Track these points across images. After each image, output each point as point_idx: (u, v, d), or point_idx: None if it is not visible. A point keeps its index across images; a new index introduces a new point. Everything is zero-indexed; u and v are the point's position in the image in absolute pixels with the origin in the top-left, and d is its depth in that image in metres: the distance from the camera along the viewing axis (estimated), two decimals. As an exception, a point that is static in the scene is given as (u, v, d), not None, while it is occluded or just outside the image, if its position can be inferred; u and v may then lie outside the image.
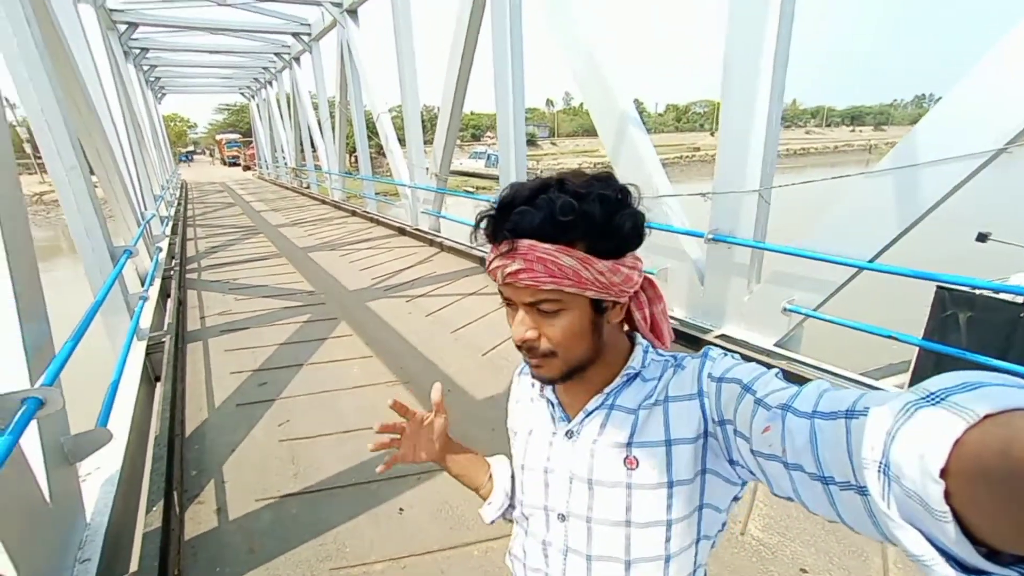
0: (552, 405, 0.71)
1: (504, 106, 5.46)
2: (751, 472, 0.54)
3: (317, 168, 15.46)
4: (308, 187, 17.12)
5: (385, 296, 5.16)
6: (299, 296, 5.30)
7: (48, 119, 3.32)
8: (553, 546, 0.69)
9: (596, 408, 0.66)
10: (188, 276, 6.30)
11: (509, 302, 0.62)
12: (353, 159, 12.85)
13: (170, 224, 9.11)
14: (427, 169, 7.74)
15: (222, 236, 9.37)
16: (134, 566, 1.79)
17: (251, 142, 34.21)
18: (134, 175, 6.18)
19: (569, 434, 0.68)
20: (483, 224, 0.61)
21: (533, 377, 0.67)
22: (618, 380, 0.66)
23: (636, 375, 0.66)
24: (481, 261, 5.95)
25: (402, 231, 8.43)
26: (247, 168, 35.88)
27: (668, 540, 0.62)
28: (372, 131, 10.14)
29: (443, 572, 1.82)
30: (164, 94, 22.88)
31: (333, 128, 12.46)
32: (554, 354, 0.62)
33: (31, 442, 1.73)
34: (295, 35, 11.92)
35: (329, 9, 9.26)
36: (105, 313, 3.64)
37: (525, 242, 0.56)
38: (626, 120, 3.93)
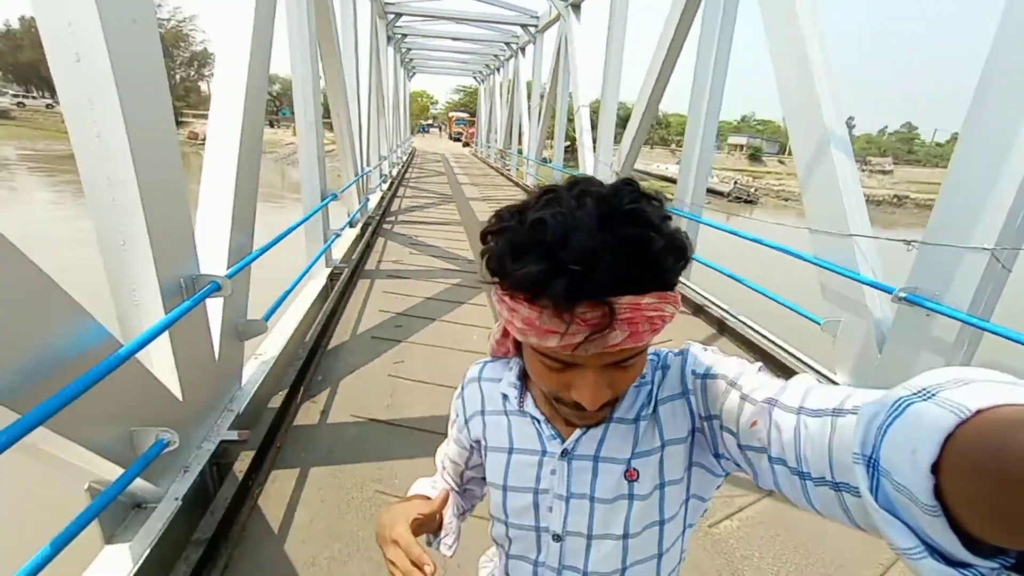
0: (538, 423, 0.65)
1: (696, 112, 5.09)
2: (736, 464, 0.54)
3: (519, 153, 16.59)
4: (508, 169, 18.51)
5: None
6: (460, 262, 5.84)
7: (303, 86, 4.24)
8: (546, 565, 0.66)
9: (594, 424, 0.61)
10: (384, 225, 7.44)
11: (564, 365, 0.52)
12: (551, 148, 13.44)
13: (388, 181, 10.83)
14: (610, 166, 7.70)
15: (423, 198, 10.78)
16: (261, 430, 2.27)
17: (474, 121, 38.18)
18: (364, 137, 7.48)
19: (564, 453, 0.62)
20: (534, 275, 0.46)
21: (580, 423, 0.60)
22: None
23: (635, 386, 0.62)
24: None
25: (572, 223, 8.57)
26: (466, 144, 40.30)
27: (661, 540, 0.62)
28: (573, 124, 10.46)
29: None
30: (415, 72, 26.90)
31: (539, 117, 13.20)
32: (615, 400, 0.57)
33: (215, 314, 2.31)
34: (523, 26, 12.84)
35: (555, 2, 9.71)
36: (309, 240, 4.57)
37: (624, 301, 0.45)
38: (829, 140, 3.34)
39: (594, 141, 8.44)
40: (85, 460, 1.52)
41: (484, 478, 0.75)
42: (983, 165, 2.41)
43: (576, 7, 9.58)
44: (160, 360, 1.90)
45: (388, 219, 8.02)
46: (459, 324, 3.97)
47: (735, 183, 30.67)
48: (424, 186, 13.07)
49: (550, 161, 12.32)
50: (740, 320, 4.15)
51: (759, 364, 0.55)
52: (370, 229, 6.55)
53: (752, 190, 29.99)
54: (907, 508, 0.32)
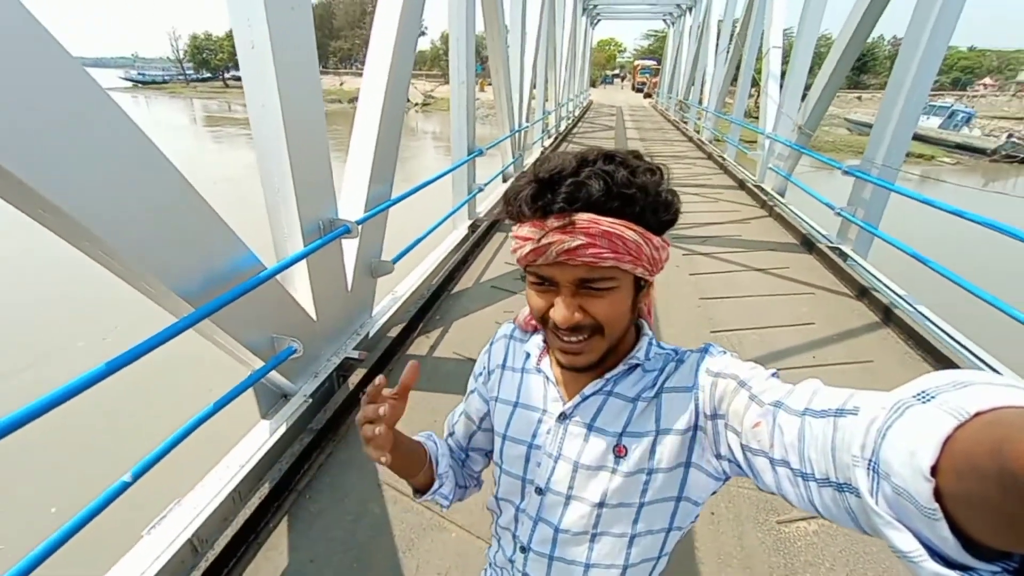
0: (548, 381, 0.70)
1: (912, 46, 3.98)
2: (738, 467, 0.55)
3: (699, 104, 15.06)
4: (687, 122, 17.01)
5: (672, 245, 5.04)
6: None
7: (458, 45, 4.52)
8: (525, 512, 0.70)
9: (594, 393, 0.65)
10: (536, 181, 7.65)
11: (545, 282, 0.59)
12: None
13: (551, 137, 10.94)
14: (794, 120, 6.58)
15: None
16: (377, 353, 2.73)
17: (659, 70, 35.42)
18: (525, 92, 7.64)
19: (562, 416, 0.67)
20: (523, 197, 0.57)
21: (565, 365, 0.64)
22: (620, 367, 0.65)
23: (638, 365, 0.65)
24: (805, 241, 4.96)
25: (742, 184, 7.66)
26: (648, 96, 37.79)
27: (636, 521, 0.63)
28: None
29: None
30: (600, 19, 25.82)
31: (726, 61, 11.71)
32: (601, 332, 0.59)
33: (350, 252, 2.79)
34: (719, -44, 11.26)
35: (756, -78, 8.28)
36: (455, 192, 5.01)
37: (585, 215, 0.54)
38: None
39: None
40: (242, 352, 2.07)
41: (489, 451, 0.82)
42: None
43: (781, -76, 8.04)
44: (300, 286, 2.41)
45: (542, 175, 8.20)
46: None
47: (1009, 136, 22.87)
48: (590, 140, 12.86)
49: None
50: (915, 308, 3.35)
51: (773, 370, 0.56)
52: (520, 184, 6.82)
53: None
54: (907, 511, 0.32)
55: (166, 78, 62.61)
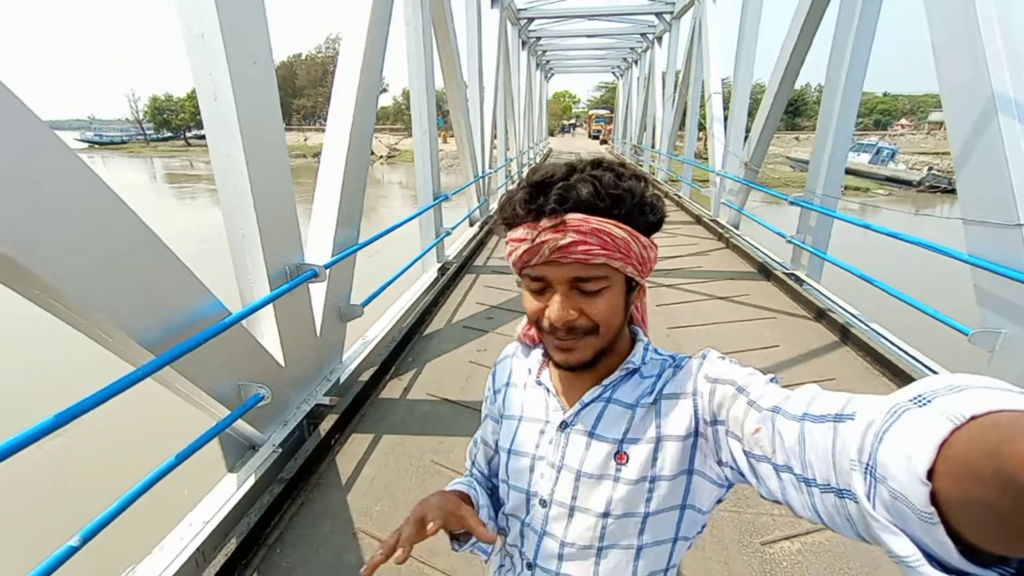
0: (548, 392, 0.70)
1: (832, 88, 4.41)
2: (740, 474, 0.54)
3: (652, 147, 15.91)
4: (641, 165, 17.88)
5: (633, 276, 5.21)
6: (566, 258, 5.91)
7: (419, 99, 4.71)
8: (530, 527, 0.69)
9: (593, 400, 0.66)
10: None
11: (540, 284, 0.61)
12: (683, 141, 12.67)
13: (514, 182, 11.27)
14: (740, 157, 7.05)
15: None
16: (348, 398, 2.67)
17: (613, 118, 37.47)
18: (486, 141, 7.93)
19: (563, 425, 0.67)
20: (517, 200, 0.60)
21: (558, 364, 0.66)
22: (617, 373, 0.66)
23: (635, 371, 0.66)
24: (762, 269, 5.21)
25: (699, 219, 8.04)
26: (603, 142, 39.74)
27: (642, 532, 0.63)
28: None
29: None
30: (553, 74, 27.35)
31: (672, 108, 12.52)
32: (595, 331, 0.60)
33: (318, 297, 2.76)
34: (658, 15, 12.27)
35: (689, -15, 9.13)
36: (422, 236, 5.07)
37: (575, 215, 0.56)
38: (996, 109, 2.68)
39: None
40: (206, 401, 1.98)
41: None
42: None
43: (711, -13, 8.90)
44: (268, 331, 2.36)
45: (508, 218, 8.40)
46: (549, 318, 4.07)
47: (929, 169, 25.08)
48: (551, 185, 13.29)
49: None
50: (868, 327, 3.53)
51: (772, 375, 0.56)
52: (486, 228, 6.96)
53: (954, 177, 24.18)
54: (904, 515, 0.32)
55: (124, 138, 61.87)
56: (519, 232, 0.59)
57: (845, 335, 3.55)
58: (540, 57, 19.24)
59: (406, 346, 3.48)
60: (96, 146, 57.59)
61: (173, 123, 60.45)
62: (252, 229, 2.22)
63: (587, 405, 0.66)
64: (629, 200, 0.58)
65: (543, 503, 0.67)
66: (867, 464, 0.34)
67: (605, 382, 0.66)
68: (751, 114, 7.29)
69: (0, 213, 1.21)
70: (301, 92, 60.42)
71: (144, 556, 1.72)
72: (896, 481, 0.31)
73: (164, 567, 1.67)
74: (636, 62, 20.31)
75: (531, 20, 12.29)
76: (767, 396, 0.51)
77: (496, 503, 0.82)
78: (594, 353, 0.62)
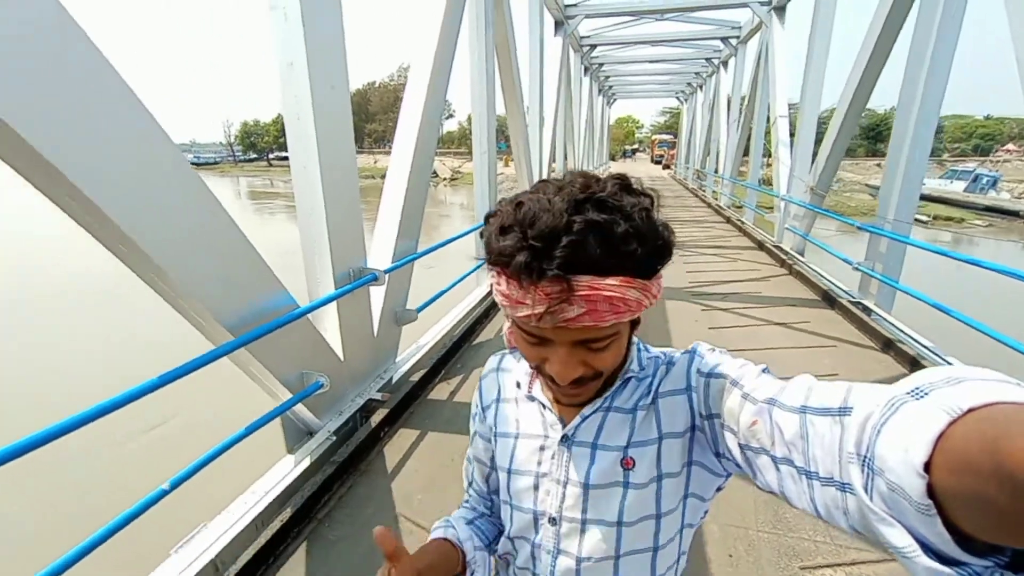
0: (544, 408, 0.67)
1: (906, 111, 4.23)
2: (737, 465, 0.54)
3: (715, 172, 15.58)
4: (704, 190, 17.49)
5: (684, 299, 5.13)
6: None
7: (479, 121, 4.98)
8: (542, 548, 0.66)
9: (593, 411, 0.64)
10: (556, 244, 7.94)
11: (541, 338, 0.55)
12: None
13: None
14: (806, 182, 6.80)
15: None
16: (399, 396, 2.84)
17: (676, 143, 36.96)
18: (544, 162, 8.14)
19: (564, 439, 0.64)
20: (515, 265, 0.49)
21: (566, 402, 0.63)
22: (617, 383, 0.64)
23: (632, 376, 0.64)
24: (826, 297, 4.97)
25: (761, 245, 7.77)
26: (666, 167, 39.18)
27: (657, 533, 0.62)
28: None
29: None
30: (615, 99, 27.54)
31: (738, 131, 12.27)
32: (598, 377, 0.59)
33: (377, 301, 2.98)
34: (724, 39, 12.16)
35: (756, 9, 9.04)
36: (478, 251, 5.28)
37: (583, 280, 0.49)
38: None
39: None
40: (273, 384, 2.21)
41: None
42: None
43: (780, 10, 8.76)
44: (330, 327, 2.59)
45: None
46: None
47: (1041, 199, 22.69)
48: (609, 208, 13.29)
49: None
50: (943, 360, 3.29)
51: (764, 365, 0.55)
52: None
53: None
54: (901, 507, 0.32)
55: (217, 160, 68.77)
56: (514, 290, 0.51)
57: (915, 367, 3.33)
58: (603, 83, 19.49)
59: (456, 353, 3.64)
60: (195, 167, 64.54)
61: (259, 145, 66.30)
62: (322, 234, 2.47)
63: (587, 417, 0.63)
64: (643, 250, 0.51)
65: (552, 521, 0.64)
66: (864, 456, 0.35)
67: (605, 393, 0.63)
68: (819, 139, 7.05)
69: (134, 213, 1.49)
70: (373, 117, 64.20)
71: (213, 517, 1.93)
72: (893, 473, 0.32)
73: (229, 526, 1.87)
74: (701, 87, 20.08)
75: (594, 47, 12.55)
76: (761, 388, 0.50)
77: (494, 521, 0.81)
78: (596, 391, 0.61)
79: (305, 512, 2.03)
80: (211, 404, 4.18)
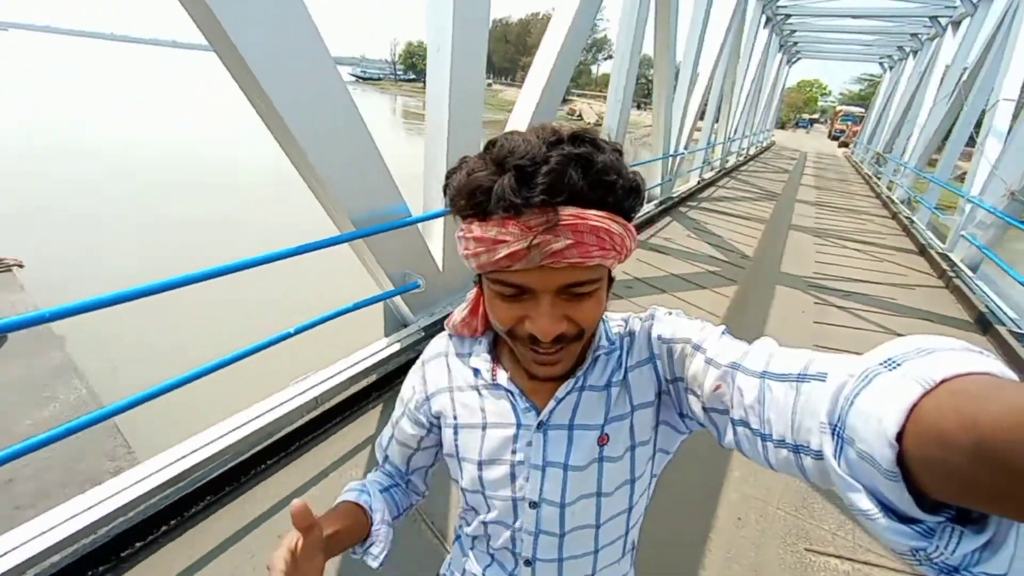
0: (512, 395, 0.63)
1: None
2: (700, 424, 0.56)
3: (900, 159, 13.18)
4: (880, 177, 14.97)
5: (799, 288, 4.75)
6: (733, 254, 5.61)
7: (620, 65, 4.87)
8: (523, 530, 0.66)
9: (567, 392, 0.61)
10: (680, 208, 7.61)
11: (519, 290, 0.52)
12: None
13: (713, 169, 10.64)
14: (1008, 185, 5.59)
15: (743, 191, 10.17)
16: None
17: (864, 118, 31.40)
18: (688, 121, 7.65)
19: (540, 425, 0.62)
20: (498, 190, 0.47)
21: (537, 376, 0.59)
22: (588, 360, 0.62)
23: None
24: (980, 320, 4.27)
25: (923, 250, 6.69)
26: (843, 144, 33.73)
27: (632, 494, 0.64)
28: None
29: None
30: (799, 58, 23.89)
31: (945, 114, 10.15)
32: (580, 337, 0.55)
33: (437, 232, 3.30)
34: (958, -6, 9.85)
35: (1009, -42, 7.16)
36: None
37: (569, 210, 0.47)
38: None
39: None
40: (380, 275, 2.67)
41: (431, 465, 0.78)
42: None
43: (1045, -39, 6.85)
44: (436, 241, 2.99)
45: (690, 203, 8.12)
46: (684, 301, 4.06)
47: None
48: (754, 180, 12.15)
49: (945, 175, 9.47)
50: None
51: (723, 327, 0.56)
52: (661, 207, 6.90)
53: None
54: (868, 473, 0.33)
55: (380, 76, 74.28)
56: (491, 230, 0.49)
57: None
58: (785, 37, 17.04)
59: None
60: (361, 81, 70.77)
61: (418, 66, 70.04)
62: (442, 155, 2.79)
63: (562, 399, 0.61)
64: (620, 185, 0.50)
65: (533, 505, 0.64)
66: (835, 426, 0.36)
67: (578, 372, 0.61)
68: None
69: (300, 118, 1.91)
70: (531, 51, 63.52)
71: (321, 369, 2.48)
72: (865, 443, 0.32)
73: (331, 376, 2.40)
74: (915, 52, 16.58)
75: (783, -7, 10.98)
76: (724, 352, 0.51)
77: (411, 493, 0.79)
78: (574, 360, 0.58)
79: (387, 381, 2.51)
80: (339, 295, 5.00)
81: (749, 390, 0.46)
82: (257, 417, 2.09)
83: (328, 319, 2.30)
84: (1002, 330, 3.93)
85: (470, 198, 0.50)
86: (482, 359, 0.65)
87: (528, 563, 0.67)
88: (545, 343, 0.53)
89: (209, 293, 3.01)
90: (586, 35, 3.72)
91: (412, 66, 71.55)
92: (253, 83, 1.78)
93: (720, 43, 8.01)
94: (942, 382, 0.30)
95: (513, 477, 0.64)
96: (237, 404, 2.12)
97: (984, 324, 4.16)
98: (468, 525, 0.72)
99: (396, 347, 2.75)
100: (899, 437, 0.30)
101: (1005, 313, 4.30)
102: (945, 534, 0.31)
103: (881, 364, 0.34)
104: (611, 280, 0.57)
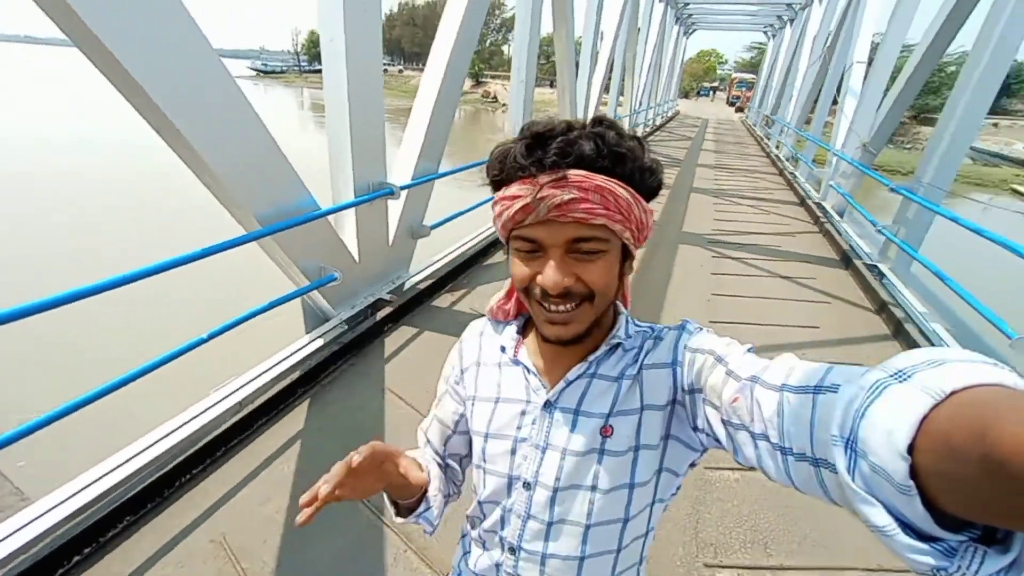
0: (528, 371, 0.68)
1: (971, 67, 3.90)
2: (716, 440, 0.55)
3: (785, 120, 14.47)
4: (769, 138, 16.37)
5: (699, 244, 5.21)
6: (643, 220, 5.99)
7: (520, 45, 4.99)
8: (512, 512, 0.67)
9: (577, 377, 0.64)
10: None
11: (532, 246, 0.58)
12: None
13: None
14: (861, 137, 6.39)
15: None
16: (405, 298, 3.26)
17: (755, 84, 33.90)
18: (593, 95, 7.96)
19: (547, 404, 0.65)
20: (515, 152, 0.56)
21: (548, 338, 0.62)
22: (603, 348, 0.64)
23: (619, 345, 0.65)
24: (844, 258, 4.92)
25: (803, 201, 7.51)
26: (739, 110, 36.32)
27: (629, 503, 0.63)
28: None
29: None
30: (695, 29, 25.27)
31: (815, 76, 11.25)
32: (591, 299, 0.58)
33: (395, 214, 3.34)
34: (819, -34, 10.86)
35: (853, -66, 8.02)
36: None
37: (577, 171, 0.54)
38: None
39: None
40: (294, 271, 2.66)
41: (465, 455, 0.79)
42: None
43: (881, -64, 7.74)
44: (349, 232, 2.99)
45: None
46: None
47: None
48: (660, 149, 12.87)
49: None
50: (928, 326, 3.34)
51: (750, 345, 0.56)
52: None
53: None
54: (882, 487, 0.33)
55: (283, 69, 69.26)
56: (512, 189, 0.57)
57: (898, 331, 3.41)
58: (680, 10, 17.95)
59: (465, 270, 4.01)
60: (261, 74, 65.75)
61: (324, 56, 66.49)
62: (346, 147, 2.80)
63: (572, 382, 0.64)
64: (631, 160, 0.56)
65: (527, 486, 0.65)
66: (847, 439, 0.35)
67: (590, 358, 0.64)
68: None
69: (190, 119, 1.85)
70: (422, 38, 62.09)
71: (242, 373, 2.45)
72: (876, 456, 0.32)
73: (253, 378, 2.39)
74: (791, 21, 18.11)
75: (669, -31, 11.54)
76: (745, 366, 0.51)
77: (449, 482, 0.80)
78: (587, 327, 0.61)
79: (312, 376, 2.53)
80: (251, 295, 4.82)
81: (768, 403, 0.45)
82: (177, 429, 2.05)
83: (243, 320, 2.28)
84: (859, 263, 4.58)
85: (497, 164, 0.59)
86: (509, 337, 0.71)
87: (513, 551, 0.68)
88: (554, 298, 0.57)
89: (98, 308, 2.84)
90: (484, 11, 3.79)
91: (318, 56, 67.66)
92: (129, 82, 1.72)
93: (618, 18, 8.34)
94: (952, 393, 0.30)
95: (513, 453, 0.66)
96: (157, 418, 2.07)
97: (847, 261, 4.82)
98: (469, 507, 0.75)
99: (319, 342, 2.76)
100: (911, 449, 0.30)
101: (863, 249, 4.99)
102: (968, 554, 0.30)
103: (891, 376, 0.34)
104: (628, 257, 0.62)
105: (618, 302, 0.67)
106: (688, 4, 18.03)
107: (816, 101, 10.53)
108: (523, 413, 0.66)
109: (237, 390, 2.31)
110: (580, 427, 0.62)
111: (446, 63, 3.48)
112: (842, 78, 8.29)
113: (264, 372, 2.44)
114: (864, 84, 6.73)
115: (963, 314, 3.40)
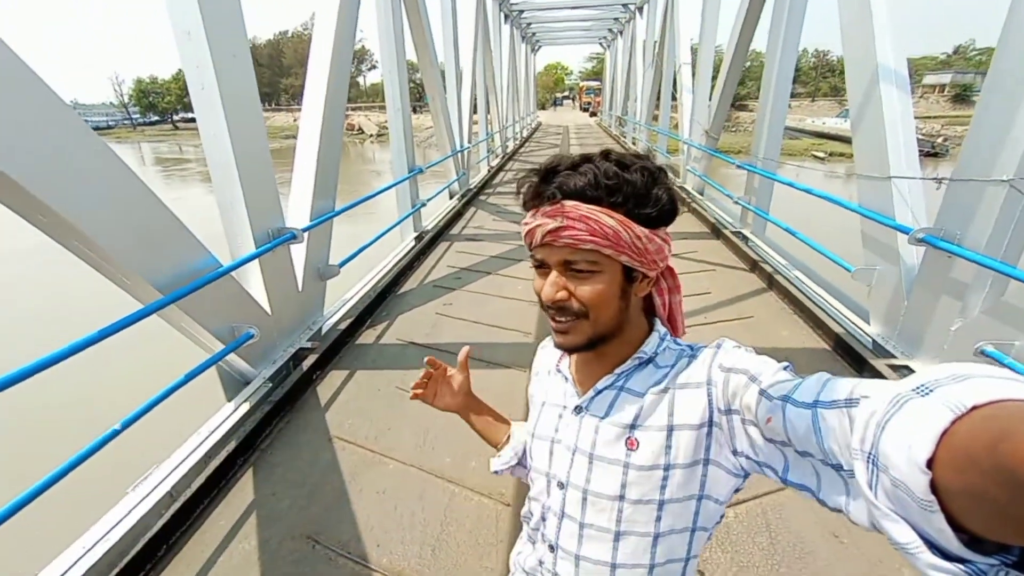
0: (566, 380, 0.74)
1: (771, 57, 4.77)
2: (756, 463, 0.56)
3: (635, 118, 16.11)
4: (625, 136, 18.09)
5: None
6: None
7: (391, 78, 5.05)
8: (551, 510, 0.72)
9: (606, 388, 0.69)
10: (480, 196, 8.21)
11: (541, 265, 0.65)
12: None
13: (498, 156, 11.56)
14: (702, 125, 7.39)
15: (525, 169, 11.30)
16: (328, 342, 3.13)
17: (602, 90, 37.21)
18: (464, 116, 8.23)
19: (578, 409, 0.70)
20: (526, 189, 0.65)
21: (556, 346, 0.68)
22: (630, 362, 0.68)
23: (649, 360, 0.68)
24: (714, 229, 5.64)
25: (668, 187, 8.43)
26: (592, 114, 39.58)
27: (659, 519, 0.64)
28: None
29: (451, 495, 2.47)
30: (540, 46, 27.14)
31: (652, 79, 12.72)
32: (585, 315, 0.63)
33: (299, 257, 3.20)
34: (636, -15, 12.34)
35: (660, -45, 9.27)
36: (399, 207, 5.47)
37: (571, 202, 0.60)
38: (883, 76, 3.08)
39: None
40: (205, 337, 2.44)
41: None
42: (1010, 97, 2.18)
43: (683, -45, 9.06)
44: (255, 284, 2.81)
45: (487, 191, 8.78)
46: (512, 277, 4.52)
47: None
48: (534, 157, 13.61)
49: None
50: (792, 274, 4.00)
51: (786, 363, 0.57)
52: (464, 200, 7.35)
53: (939, 140, 24.33)
54: (904, 503, 0.32)
55: (111, 124, 60.68)
56: (527, 217, 0.65)
57: (771, 283, 4.02)
58: (524, 30, 19.18)
59: (381, 302, 3.93)
60: (83, 133, 57.16)
61: (160, 106, 59.35)
62: (238, 197, 2.64)
63: (601, 392, 0.69)
64: (627, 190, 0.60)
65: (560, 485, 0.70)
66: (869, 453, 0.35)
67: (618, 371, 0.68)
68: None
69: (52, 184, 1.64)
70: (289, 71, 59.38)
71: (164, 460, 2.19)
72: (897, 470, 0.32)
73: (180, 461, 2.15)
74: (621, 32, 20.27)
75: (510, -7, 12.34)
76: (778, 385, 0.51)
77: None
78: (587, 339, 0.65)
79: (248, 444, 2.33)
80: (152, 369, 4.26)
81: (801, 422, 0.45)
82: (97, 543, 1.78)
83: (160, 400, 2.04)
84: (727, 232, 5.30)
85: (520, 195, 0.67)
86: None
87: (552, 548, 0.72)
88: (553, 310, 0.64)
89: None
90: (352, 42, 3.79)
91: (151, 106, 59.72)
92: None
93: (472, 42, 8.72)
94: (974, 408, 0.29)
95: (551, 453, 0.72)
96: (67, 536, 1.78)
97: (717, 231, 5.55)
98: (524, 507, 0.82)
99: (246, 407, 2.55)
100: (931, 464, 0.30)
101: (727, 219, 5.79)
102: None
103: (913, 390, 0.34)
104: (632, 279, 0.64)
105: (658, 320, 0.71)
106: (531, 24, 19.34)
107: (659, 98, 11.88)
108: (560, 416, 0.73)
109: (164, 479, 2.06)
110: (604, 434, 0.66)
111: (324, 97, 3.43)
112: (675, 78, 9.52)
113: (192, 452, 2.20)
114: (694, 81, 7.79)
115: (813, 260, 4.10)
